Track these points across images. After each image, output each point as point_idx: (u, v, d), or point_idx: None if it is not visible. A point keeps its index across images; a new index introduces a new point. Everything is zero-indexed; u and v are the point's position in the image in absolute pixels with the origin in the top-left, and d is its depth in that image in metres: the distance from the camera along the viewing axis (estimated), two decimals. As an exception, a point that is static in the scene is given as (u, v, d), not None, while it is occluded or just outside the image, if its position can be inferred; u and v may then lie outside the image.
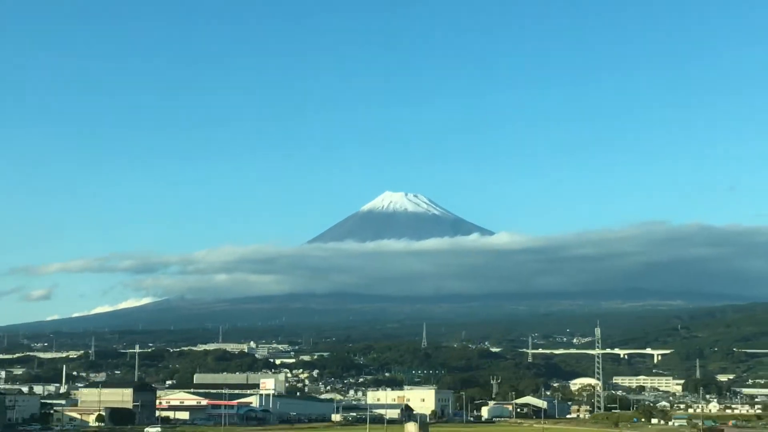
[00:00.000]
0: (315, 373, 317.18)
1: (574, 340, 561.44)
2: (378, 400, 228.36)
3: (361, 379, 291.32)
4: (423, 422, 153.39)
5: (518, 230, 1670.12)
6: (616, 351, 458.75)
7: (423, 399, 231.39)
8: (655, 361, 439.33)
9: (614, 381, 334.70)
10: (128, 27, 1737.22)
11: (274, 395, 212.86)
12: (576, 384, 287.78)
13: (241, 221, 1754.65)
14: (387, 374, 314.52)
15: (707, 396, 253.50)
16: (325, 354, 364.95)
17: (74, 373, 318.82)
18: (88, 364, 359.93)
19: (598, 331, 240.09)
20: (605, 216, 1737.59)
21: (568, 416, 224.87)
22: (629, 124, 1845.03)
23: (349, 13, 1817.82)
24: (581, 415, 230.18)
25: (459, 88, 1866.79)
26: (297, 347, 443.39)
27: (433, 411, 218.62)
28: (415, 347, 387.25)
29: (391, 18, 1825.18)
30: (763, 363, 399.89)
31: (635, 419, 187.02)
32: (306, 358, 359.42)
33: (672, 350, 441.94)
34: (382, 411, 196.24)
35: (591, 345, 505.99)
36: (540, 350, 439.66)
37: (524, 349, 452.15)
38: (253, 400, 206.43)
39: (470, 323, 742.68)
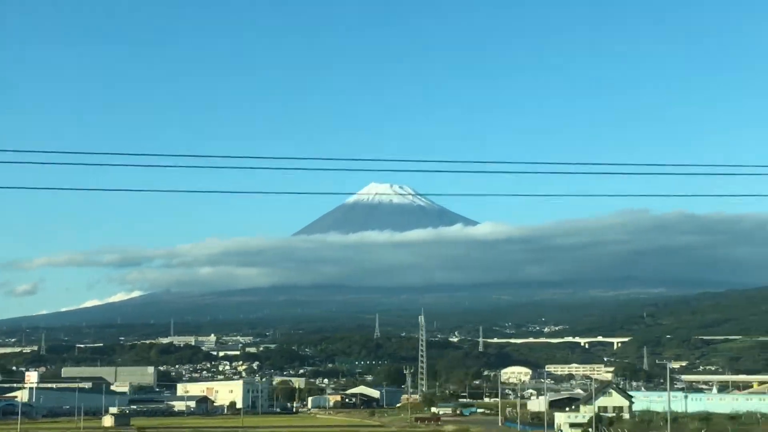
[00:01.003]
0: (255, 365, 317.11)
1: (545, 329, 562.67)
2: (187, 391, 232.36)
3: (301, 371, 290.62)
4: (122, 414, 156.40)
5: (501, 220, 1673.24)
6: (577, 339, 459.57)
7: (231, 390, 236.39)
8: (615, 348, 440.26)
9: (547, 369, 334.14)
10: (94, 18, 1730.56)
11: (37, 389, 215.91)
12: (506, 373, 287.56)
13: (226, 214, 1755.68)
14: (330, 365, 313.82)
15: (634, 383, 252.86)
16: (271, 346, 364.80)
17: (14, 368, 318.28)
18: (31, 359, 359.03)
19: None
20: (588, 205, 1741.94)
21: (398, 405, 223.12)
22: (612, 112, 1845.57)
23: (334, 4, 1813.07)
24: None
25: (444, 79, 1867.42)
26: (259, 339, 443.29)
27: (231, 402, 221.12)
28: (368, 338, 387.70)
29: (379, 11, 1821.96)
30: (718, 350, 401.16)
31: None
32: (252, 350, 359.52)
33: (630, 338, 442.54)
34: (181, 403, 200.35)
35: (560, 334, 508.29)
36: (496, 339, 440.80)
37: (491, 339, 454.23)
38: (19, 395, 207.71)
39: (449, 313, 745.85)
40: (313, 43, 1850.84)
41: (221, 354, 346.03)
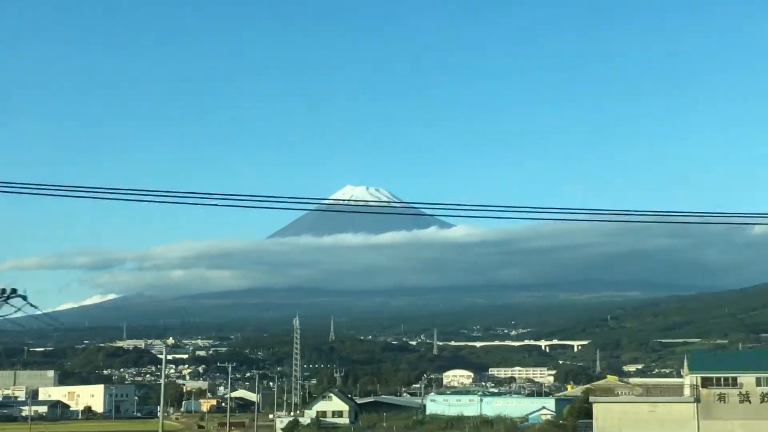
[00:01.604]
0: (201, 368, 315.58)
1: (513, 332, 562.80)
2: (49, 396, 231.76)
3: (248, 374, 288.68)
4: None
5: (475, 223, 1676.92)
6: (538, 342, 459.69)
7: (92, 395, 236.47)
8: (575, 351, 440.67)
9: (490, 372, 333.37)
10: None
11: None
12: (448, 376, 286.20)
13: (199, 216, 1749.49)
14: (279, 368, 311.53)
15: (573, 385, 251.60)
16: (222, 349, 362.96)
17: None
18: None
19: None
20: (558, 207, 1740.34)
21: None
22: (584, 114, 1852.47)
23: (312, 8, 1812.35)
24: None
25: (421, 82, 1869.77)
26: (221, 342, 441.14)
27: (86, 407, 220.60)
28: (323, 341, 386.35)
29: (357, 13, 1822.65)
30: (675, 353, 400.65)
31: None
32: (202, 353, 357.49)
33: (590, 341, 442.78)
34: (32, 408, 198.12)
35: (524, 336, 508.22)
36: (453, 342, 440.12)
37: (455, 342, 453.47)
38: None
39: (420, 316, 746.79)
40: (289, 46, 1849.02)
41: (170, 357, 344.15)
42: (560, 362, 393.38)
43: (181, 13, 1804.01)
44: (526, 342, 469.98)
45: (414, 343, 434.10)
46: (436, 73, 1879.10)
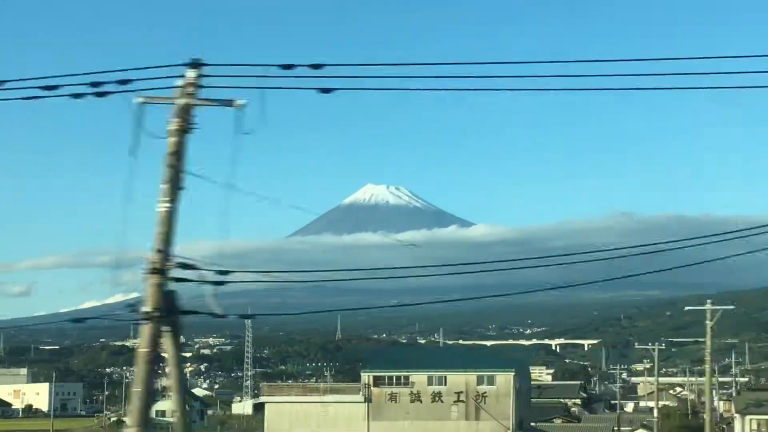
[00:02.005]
0: (203, 366, 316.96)
1: (527, 331, 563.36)
2: None
3: (250, 373, 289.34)
4: None
5: (496, 222, 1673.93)
6: (550, 341, 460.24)
7: (38, 393, 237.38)
8: (585, 350, 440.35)
9: None
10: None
11: None
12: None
13: (216, 216, 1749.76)
14: (282, 367, 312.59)
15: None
16: (227, 348, 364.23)
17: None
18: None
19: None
20: (578, 207, 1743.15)
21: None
22: (603, 115, 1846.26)
23: (330, 8, 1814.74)
24: None
25: (437, 79, 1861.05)
26: (233, 340, 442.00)
27: (28, 405, 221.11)
28: (329, 340, 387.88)
29: (376, 12, 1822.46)
30: (684, 352, 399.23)
31: None
32: (206, 351, 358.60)
33: (600, 340, 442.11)
34: None
35: (538, 335, 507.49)
36: (461, 341, 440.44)
37: (468, 341, 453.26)
38: None
39: (437, 315, 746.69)
40: (310, 45, 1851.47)
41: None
42: (566, 361, 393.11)
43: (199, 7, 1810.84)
44: (536, 341, 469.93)
45: (423, 341, 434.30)
46: (455, 69, 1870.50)
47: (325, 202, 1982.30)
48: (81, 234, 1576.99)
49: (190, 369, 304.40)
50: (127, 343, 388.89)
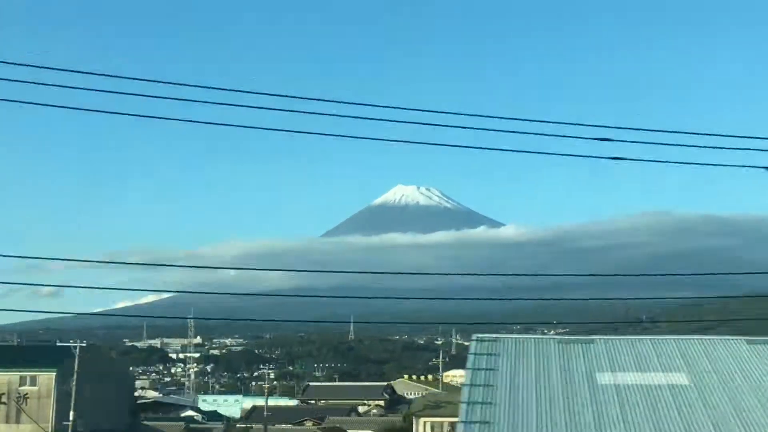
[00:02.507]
0: (209, 367, 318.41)
1: (551, 332, 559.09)
2: None
3: (255, 374, 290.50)
4: None
5: (525, 222, 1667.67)
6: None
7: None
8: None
9: None
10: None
11: None
12: (448, 376, 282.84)
13: (249, 217, 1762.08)
14: (290, 368, 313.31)
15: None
16: (236, 348, 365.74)
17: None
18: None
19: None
20: (609, 206, 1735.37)
21: None
22: (628, 109, 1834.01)
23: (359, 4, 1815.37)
24: None
25: (463, 80, 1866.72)
26: (250, 341, 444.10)
27: None
28: (341, 340, 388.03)
29: (404, 7, 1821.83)
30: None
31: None
32: (215, 352, 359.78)
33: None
34: None
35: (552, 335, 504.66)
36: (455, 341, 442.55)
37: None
38: None
39: (464, 315, 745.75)
40: (336, 45, 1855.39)
41: (182, 356, 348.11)
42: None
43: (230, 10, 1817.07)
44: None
45: (440, 342, 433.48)
46: (487, 68, 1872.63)
47: (355, 202, 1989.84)
48: (113, 234, 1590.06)
49: (195, 369, 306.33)
50: (139, 344, 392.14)
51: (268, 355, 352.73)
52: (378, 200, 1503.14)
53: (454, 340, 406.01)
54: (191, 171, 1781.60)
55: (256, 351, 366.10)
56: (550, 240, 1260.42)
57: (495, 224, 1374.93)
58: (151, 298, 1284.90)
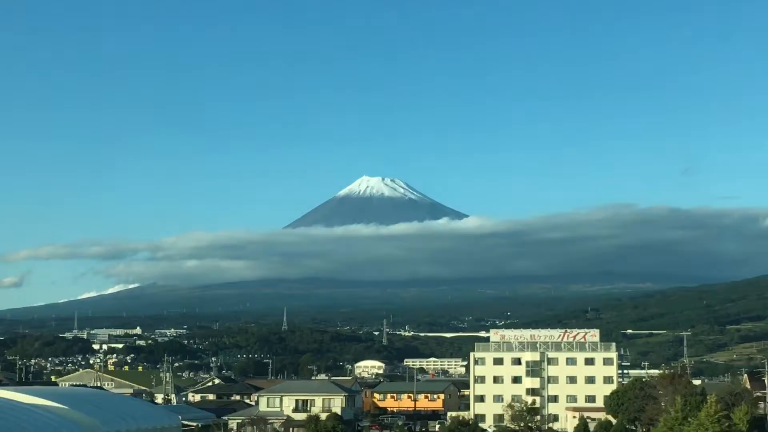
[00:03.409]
0: (129, 357, 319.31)
1: (501, 323, 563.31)
2: None
3: (177, 364, 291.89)
4: None
5: (489, 213, 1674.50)
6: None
7: None
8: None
9: (406, 362, 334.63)
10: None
11: None
12: (359, 366, 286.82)
13: (211, 208, 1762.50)
14: (213, 359, 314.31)
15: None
16: (162, 339, 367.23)
17: None
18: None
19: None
20: (572, 199, 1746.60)
21: None
22: (594, 106, 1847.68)
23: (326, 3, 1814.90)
24: None
25: (437, 74, 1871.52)
26: (186, 332, 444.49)
27: None
28: (273, 331, 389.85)
29: (370, 5, 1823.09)
30: (635, 344, 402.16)
31: None
32: (141, 343, 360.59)
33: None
34: None
35: (510, 327, 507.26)
36: (404, 333, 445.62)
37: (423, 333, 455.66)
38: None
39: (416, 308, 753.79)
40: (306, 39, 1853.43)
41: (106, 347, 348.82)
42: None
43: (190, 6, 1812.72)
44: (473, 333, 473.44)
45: (377, 333, 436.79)
46: (452, 65, 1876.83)
47: (320, 194, 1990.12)
48: (75, 224, 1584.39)
49: (113, 360, 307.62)
50: (66, 336, 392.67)
51: (195, 346, 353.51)
52: (343, 191, 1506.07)
53: (384, 331, 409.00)
54: (153, 161, 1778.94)
55: (185, 342, 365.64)
56: (512, 232, 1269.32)
57: (458, 215, 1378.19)
58: (117, 287, 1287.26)
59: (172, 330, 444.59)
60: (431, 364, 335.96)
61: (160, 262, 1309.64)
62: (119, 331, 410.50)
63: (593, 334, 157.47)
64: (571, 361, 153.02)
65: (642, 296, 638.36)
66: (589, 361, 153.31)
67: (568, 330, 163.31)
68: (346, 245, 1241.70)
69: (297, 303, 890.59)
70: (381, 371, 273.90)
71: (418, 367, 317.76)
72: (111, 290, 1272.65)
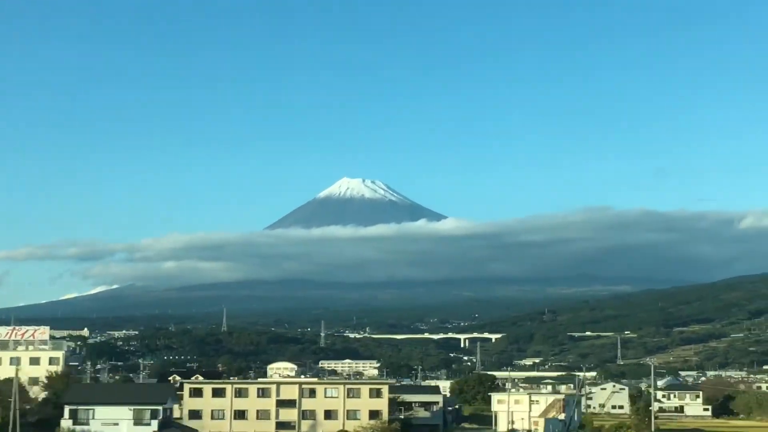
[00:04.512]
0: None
1: (464, 324, 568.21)
2: None
3: (100, 366, 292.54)
4: None
5: (467, 215, 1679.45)
6: (457, 336, 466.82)
7: None
8: (492, 344, 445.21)
9: (321, 365, 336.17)
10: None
11: None
12: (272, 368, 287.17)
13: (190, 209, 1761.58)
14: (142, 360, 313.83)
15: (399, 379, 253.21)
16: (98, 340, 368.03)
17: None
18: None
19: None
20: (549, 201, 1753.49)
21: None
22: (572, 112, 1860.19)
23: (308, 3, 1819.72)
24: None
25: (417, 76, 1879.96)
26: (141, 332, 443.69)
27: None
28: (211, 332, 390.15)
29: (353, 7, 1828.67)
30: (579, 346, 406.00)
31: None
32: (71, 344, 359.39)
33: (504, 334, 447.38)
34: None
35: (468, 329, 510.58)
36: (356, 335, 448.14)
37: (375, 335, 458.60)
38: None
39: (383, 309, 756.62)
40: (287, 42, 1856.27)
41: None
42: (459, 356, 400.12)
43: (175, 10, 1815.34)
44: (443, 335, 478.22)
45: (337, 334, 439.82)
46: (434, 68, 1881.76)
47: (300, 195, 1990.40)
48: (52, 225, 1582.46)
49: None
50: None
51: (126, 348, 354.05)
52: (323, 193, 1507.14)
53: (322, 333, 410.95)
54: (131, 162, 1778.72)
55: (119, 344, 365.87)
56: (489, 234, 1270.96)
57: (436, 217, 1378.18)
58: (99, 288, 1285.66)
59: (123, 332, 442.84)
60: (346, 366, 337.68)
61: (138, 263, 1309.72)
62: (63, 333, 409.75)
63: (43, 332, 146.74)
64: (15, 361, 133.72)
65: (610, 298, 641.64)
66: (35, 361, 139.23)
67: (17, 328, 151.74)
68: (324, 247, 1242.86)
69: (274, 305, 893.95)
70: (293, 373, 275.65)
71: (331, 369, 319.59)
72: (93, 291, 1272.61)
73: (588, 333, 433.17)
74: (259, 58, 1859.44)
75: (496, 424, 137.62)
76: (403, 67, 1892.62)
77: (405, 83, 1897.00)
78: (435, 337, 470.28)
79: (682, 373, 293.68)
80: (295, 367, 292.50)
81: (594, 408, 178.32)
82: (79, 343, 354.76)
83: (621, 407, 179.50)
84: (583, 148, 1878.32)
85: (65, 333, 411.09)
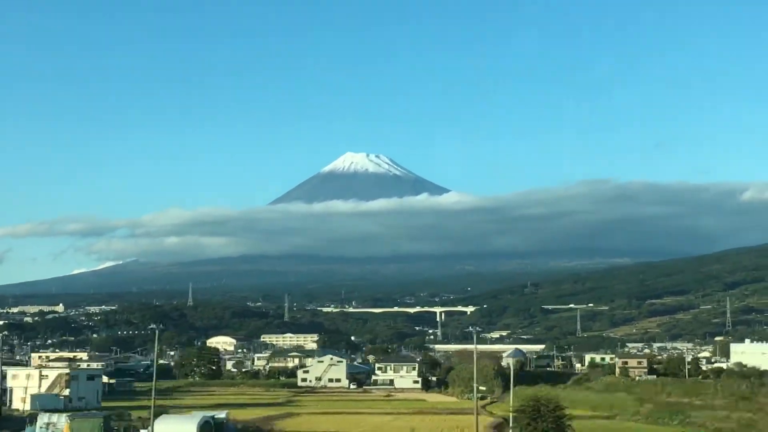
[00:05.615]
0: (2, 334, 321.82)
1: (453, 297, 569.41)
2: None
3: (51, 341, 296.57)
4: None
5: (469, 189, 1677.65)
6: (433, 309, 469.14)
7: None
8: (467, 317, 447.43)
9: (263, 339, 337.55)
10: None
11: None
12: (212, 342, 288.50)
13: (188, 184, 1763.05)
14: (101, 335, 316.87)
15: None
16: (58, 315, 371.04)
17: None
18: None
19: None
20: (551, 174, 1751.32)
21: None
22: (573, 82, 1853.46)
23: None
24: None
25: (422, 51, 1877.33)
26: (112, 309, 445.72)
27: None
28: (176, 307, 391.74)
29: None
30: (549, 319, 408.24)
31: None
32: (28, 320, 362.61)
33: (478, 308, 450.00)
34: None
35: (451, 302, 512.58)
36: (331, 309, 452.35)
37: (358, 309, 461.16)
38: None
39: (373, 284, 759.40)
40: (292, 14, 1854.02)
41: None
42: (429, 330, 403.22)
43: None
44: (420, 308, 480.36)
45: (327, 309, 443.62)
46: (436, 43, 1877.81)
47: (304, 170, 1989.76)
48: (53, 201, 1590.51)
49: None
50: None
51: (86, 323, 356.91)
52: (327, 168, 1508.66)
53: (286, 307, 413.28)
54: (132, 137, 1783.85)
55: (77, 319, 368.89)
56: (491, 207, 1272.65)
57: (438, 190, 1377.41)
58: (108, 263, 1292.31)
59: (100, 307, 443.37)
60: (287, 340, 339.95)
61: (140, 239, 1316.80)
62: (34, 308, 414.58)
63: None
64: None
65: (604, 271, 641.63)
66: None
67: None
68: (327, 222, 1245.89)
69: (276, 279, 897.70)
70: (231, 347, 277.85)
71: (272, 342, 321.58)
72: (103, 266, 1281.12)
73: (560, 306, 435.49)
74: (262, 33, 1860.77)
75: (11, 403, 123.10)
76: (406, 41, 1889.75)
77: (409, 57, 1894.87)
78: (411, 310, 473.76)
79: (629, 345, 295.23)
80: (234, 341, 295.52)
81: (310, 381, 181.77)
82: (36, 318, 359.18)
83: (338, 380, 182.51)
84: (584, 120, 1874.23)
85: (36, 309, 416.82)
